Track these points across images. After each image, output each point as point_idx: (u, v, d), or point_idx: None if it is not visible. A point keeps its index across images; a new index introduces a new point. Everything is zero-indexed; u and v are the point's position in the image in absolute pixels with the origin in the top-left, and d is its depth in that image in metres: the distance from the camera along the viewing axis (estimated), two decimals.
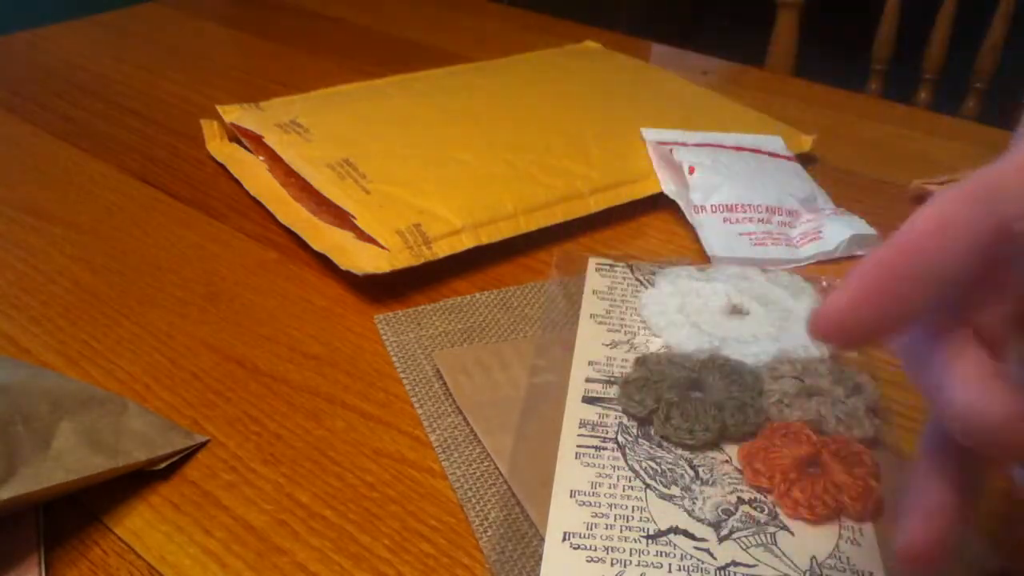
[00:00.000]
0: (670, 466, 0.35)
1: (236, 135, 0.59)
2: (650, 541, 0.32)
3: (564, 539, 0.32)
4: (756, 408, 0.37)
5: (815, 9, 1.10)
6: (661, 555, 0.31)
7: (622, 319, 0.43)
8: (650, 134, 0.58)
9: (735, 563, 0.31)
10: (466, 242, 0.48)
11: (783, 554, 0.31)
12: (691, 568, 0.31)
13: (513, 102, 0.64)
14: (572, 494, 0.34)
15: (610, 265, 0.47)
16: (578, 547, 0.32)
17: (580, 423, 0.37)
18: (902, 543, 0.24)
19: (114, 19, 0.84)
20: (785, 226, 0.52)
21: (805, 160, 0.60)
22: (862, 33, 1.27)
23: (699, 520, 0.33)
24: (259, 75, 0.73)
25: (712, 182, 0.52)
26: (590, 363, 0.40)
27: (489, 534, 0.33)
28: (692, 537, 0.32)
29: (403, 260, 0.46)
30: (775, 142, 0.58)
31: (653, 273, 0.47)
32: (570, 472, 0.35)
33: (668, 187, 0.55)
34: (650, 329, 0.43)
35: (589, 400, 0.38)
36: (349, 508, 0.34)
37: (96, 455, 0.33)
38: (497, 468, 0.36)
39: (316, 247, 0.48)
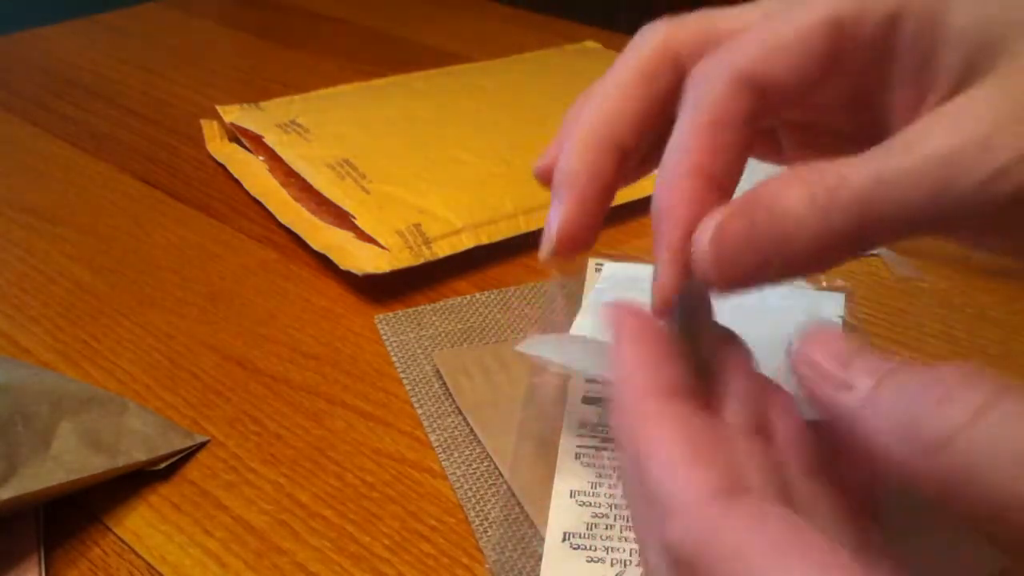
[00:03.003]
0: None
1: (236, 135, 0.59)
2: None
3: (564, 539, 0.32)
4: None
5: None
6: None
7: None
8: None
9: None
10: (466, 242, 0.48)
11: None
12: None
13: (513, 102, 0.64)
14: (572, 494, 0.34)
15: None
16: (578, 547, 0.32)
17: (580, 423, 0.37)
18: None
19: (114, 19, 0.84)
20: None
21: None
22: None
23: None
24: (259, 75, 0.73)
25: None
26: None
27: (489, 534, 0.33)
28: None
29: (403, 260, 0.46)
30: None
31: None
32: (570, 472, 0.35)
33: None
34: None
35: (589, 400, 0.38)
36: (349, 508, 0.34)
37: (96, 455, 0.33)
38: (497, 468, 0.36)
39: (316, 247, 0.48)
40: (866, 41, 0.23)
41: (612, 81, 0.27)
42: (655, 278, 0.24)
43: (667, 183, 0.24)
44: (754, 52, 0.23)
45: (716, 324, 0.26)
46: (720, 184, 0.24)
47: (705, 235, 0.22)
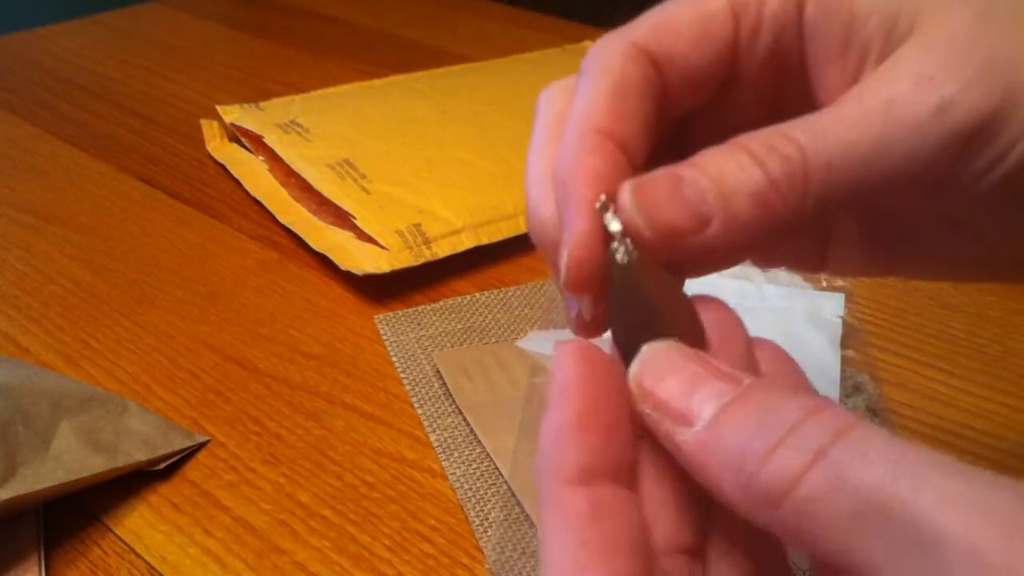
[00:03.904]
0: None
1: (236, 135, 0.59)
2: None
3: None
4: None
5: None
6: None
7: None
8: None
9: None
10: (466, 242, 0.48)
11: None
12: None
13: (513, 102, 0.64)
14: None
15: None
16: None
17: None
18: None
19: (114, 19, 0.84)
20: None
21: None
22: None
23: None
24: (259, 75, 0.73)
25: None
26: None
27: (489, 534, 0.33)
28: None
29: (403, 260, 0.46)
30: None
31: None
32: None
33: None
34: None
35: None
36: (349, 508, 0.34)
37: (96, 455, 0.33)
38: (497, 468, 0.36)
39: (316, 247, 0.48)
40: (771, 23, 0.22)
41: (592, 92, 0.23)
42: (564, 243, 0.21)
43: (572, 142, 0.21)
44: (649, 29, 0.22)
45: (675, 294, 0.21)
46: (629, 149, 0.21)
47: (626, 185, 0.20)
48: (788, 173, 0.20)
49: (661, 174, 0.20)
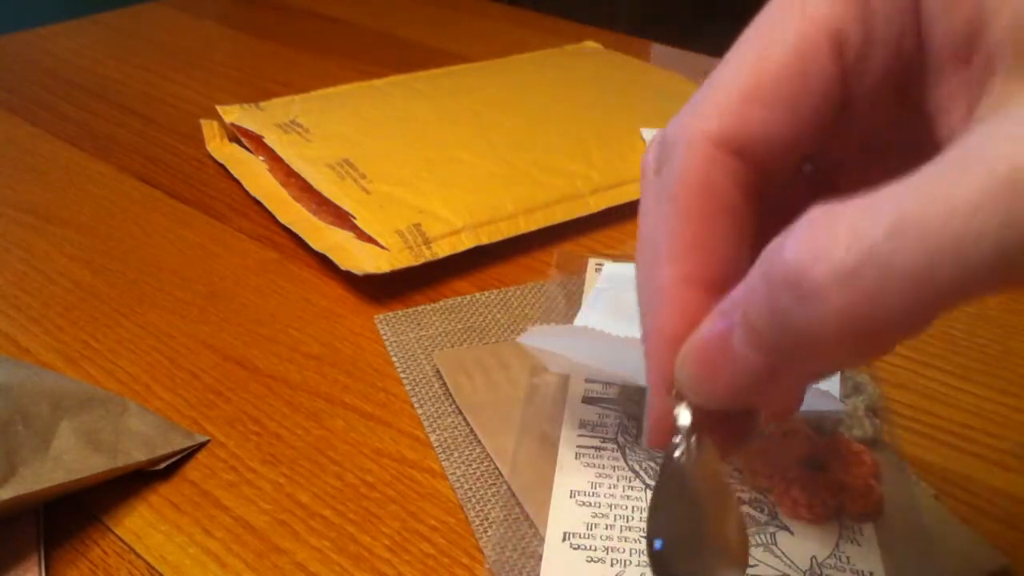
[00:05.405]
0: None
1: (236, 135, 0.59)
2: None
3: (564, 539, 0.32)
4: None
5: None
6: None
7: None
8: (650, 134, 0.58)
9: None
10: (466, 242, 0.48)
11: (783, 554, 0.32)
12: None
13: (513, 102, 0.64)
14: (572, 494, 0.34)
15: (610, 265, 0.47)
16: (578, 547, 0.32)
17: (580, 423, 0.37)
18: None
19: (115, 19, 0.84)
20: None
21: None
22: None
23: None
24: (259, 75, 0.73)
25: None
26: None
27: (489, 534, 0.33)
28: None
29: (403, 260, 0.46)
30: None
31: None
32: (570, 472, 0.35)
33: None
34: None
35: (589, 400, 0.38)
36: (349, 508, 0.34)
37: (96, 455, 0.33)
38: (497, 468, 0.36)
39: (316, 247, 0.48)
40: (885, 30, 0.17)
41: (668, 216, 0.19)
42: (648, 407, 0.20)
43: (649, 298, 0.19)
44: (733, 103, 0.18)
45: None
46: (719, 284, 0.18)
47: (677, 367, 0.18)
48: (848, 303, 0.14)
49: (708, 333, 0.17)
